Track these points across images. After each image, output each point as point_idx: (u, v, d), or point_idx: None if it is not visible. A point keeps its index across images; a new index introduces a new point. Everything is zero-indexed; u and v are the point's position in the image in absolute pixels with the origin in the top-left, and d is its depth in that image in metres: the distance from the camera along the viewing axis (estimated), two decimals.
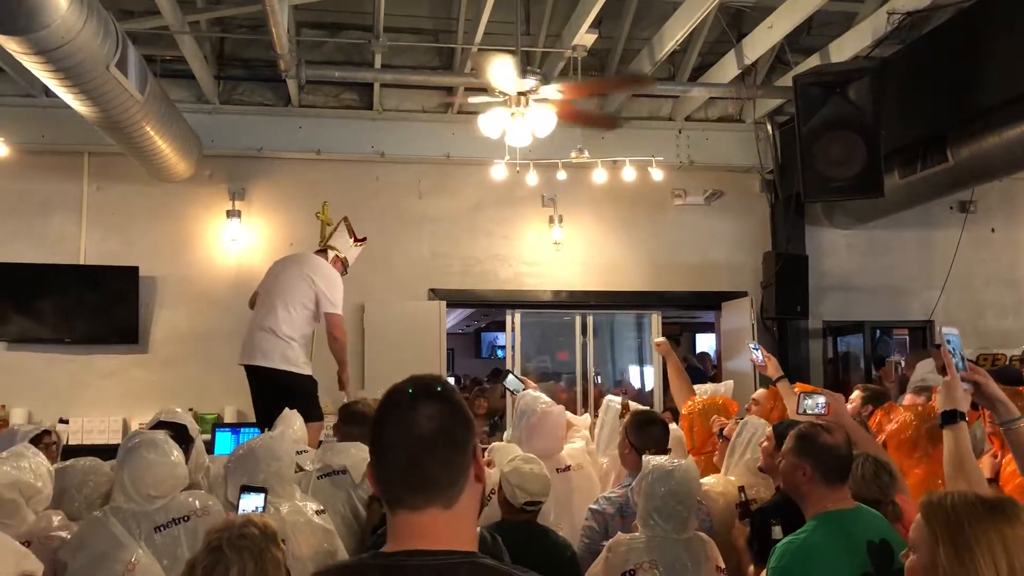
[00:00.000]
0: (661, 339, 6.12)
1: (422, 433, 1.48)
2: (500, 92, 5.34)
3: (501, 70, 4.98)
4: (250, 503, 3.06)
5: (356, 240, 5.98)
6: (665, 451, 3.98)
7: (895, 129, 6.59)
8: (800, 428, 3.02)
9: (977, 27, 6.06)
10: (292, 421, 4.39)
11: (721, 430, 4.58)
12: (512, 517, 3.59)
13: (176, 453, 3.30)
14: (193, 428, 4.17)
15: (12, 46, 4.25)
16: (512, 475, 3.58)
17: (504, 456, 4.03)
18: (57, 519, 3.23)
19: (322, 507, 3.55)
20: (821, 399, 3.57)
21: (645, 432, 4.02)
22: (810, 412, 3.58)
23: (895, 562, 2.58)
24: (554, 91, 5.40)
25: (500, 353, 13.19)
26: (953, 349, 2.57)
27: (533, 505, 3.57)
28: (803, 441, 2.89)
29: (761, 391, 5.46)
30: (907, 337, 9.48)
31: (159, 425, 3.90)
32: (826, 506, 2.79)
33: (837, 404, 3.61)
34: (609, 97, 8.23)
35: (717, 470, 4.38)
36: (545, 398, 4.69)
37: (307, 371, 5.56)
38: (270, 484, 3.35)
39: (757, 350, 5.00)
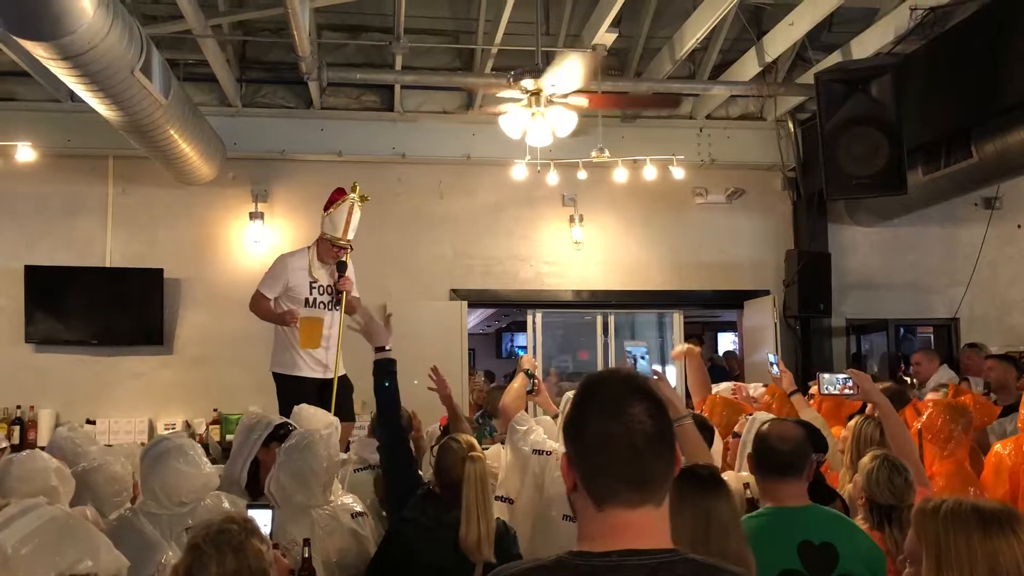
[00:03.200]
0: (680, 348, 5.83)
1: (644, 430, 1.48)
2: (524, 91, 5.36)
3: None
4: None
5: (325, 208, 5.64)
6: (709, 459, 3.96)
7: (918, 125, 6.54)
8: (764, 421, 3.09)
9: (1001, 22, 6.00)
10: (300, 419, 4.41)
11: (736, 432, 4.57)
12: None
13: (204, 459, 3.31)
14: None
15: (39, 51, 4.31)
16: None
17: None
18: (91, 513, 3.28)
19: (361, 509, 3.57)
20: (841, 375, 3.55)
21: None
22: (833, 390, 3.57)
23: (839, 566, 2.61)
24: (579, 99, 5.40)
25: (520, 352, 13.18)
26: (634, 360, 2.96)
27: None
28: (757, 433, 2.98)
29: (760, 390, 5.45)
30: (932, 335, 9.40)
31: (280, 426, 3.89)
32: (774, 500, 2.83)
33: (862, 381, 3.60)
34: (630, 95, 8.21)
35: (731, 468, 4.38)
36: None
37: (289, 371, 5.60)
38: (308, 482, 3.37)
39: (774, 364, 4.97)
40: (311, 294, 5.63)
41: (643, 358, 3.28)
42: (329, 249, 5.61)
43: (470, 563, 3.05)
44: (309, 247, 5.76)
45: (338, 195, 5.60)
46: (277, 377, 5.64)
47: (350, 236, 5.59)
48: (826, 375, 3.63)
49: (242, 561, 2.30)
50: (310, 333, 5.56)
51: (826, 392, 3.69)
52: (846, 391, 3.64)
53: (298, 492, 3.40)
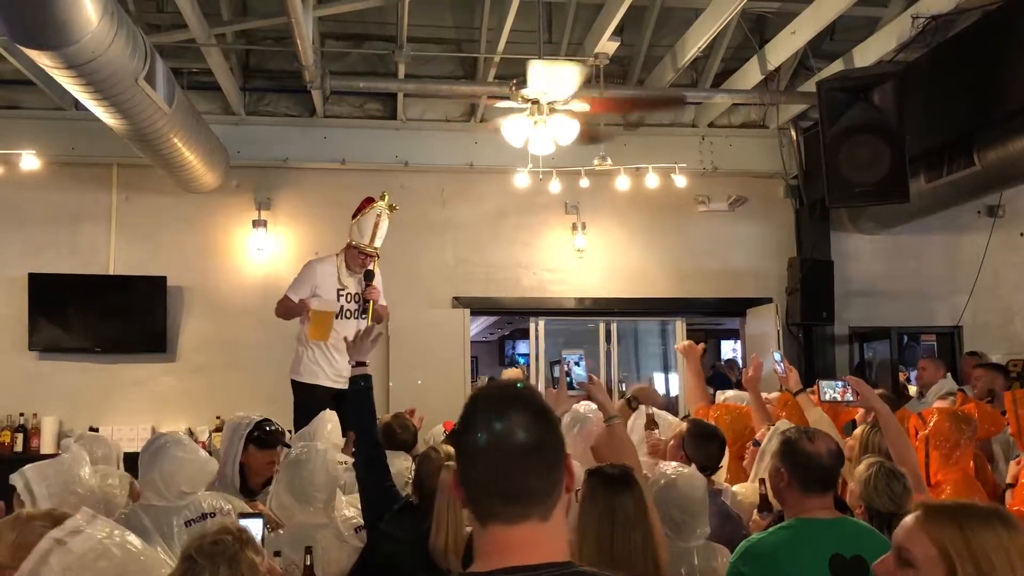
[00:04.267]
0: (684, 343, 5.73)
1: (519, 442, 1.41)
2: (524, 100, 5.36)
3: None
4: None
5: (353, 216, 5.76)
6: (717, 467, 3.94)
7: (920, 133, 6.54)
8: (785, 433, 3.02)
9: (1003, 30, 6.00)
10: (317, 430, 4.39)
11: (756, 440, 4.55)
12: None
13: (201, 450, 3.41)
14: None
15: (44, 60, 4.33)
16: None
17: None
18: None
19: (363, 524, 3.56)
20: (839, 382, 3.56)
21: (703, 447, 3.93)
22: (834, 395, 3.58)
23: None
24: (581, 104, 5.40)
25: (522, 360, 13.18)
26: (570, 366, 3.34)
27: None
28: (784, 446, 2.91)
29: (773, 395, 5.43)
30: (935, 343, 9.39)
31: (263, 422, 3.95)
32: (803, 512, 2.79)
33: (861, 388, 3.60)
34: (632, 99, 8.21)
35: (746, 475, 4.37)
36: (594, 406, 4.55)
37: (305, 379, 5.63)
38: (309, 499, 3.38)
39: (780, 362, 4.96)
40: (339, 301, 5.66)
41: (578, 364, 3.33)
42: (356, 256, 5.67)
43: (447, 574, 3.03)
44: (337, 254, 5.80)
45: (367, 203, 5.69)
46: (293, 385, 5.68)
47: (377, 244, 5.65)
48: (825, 382, 3.64)
49: (236, 572, 2.28)
50: (319, 324, 5.56)
51: (825, 399, 3.69)
52: (847, 396, 3.64)
53: (299, 511, 3.40)
